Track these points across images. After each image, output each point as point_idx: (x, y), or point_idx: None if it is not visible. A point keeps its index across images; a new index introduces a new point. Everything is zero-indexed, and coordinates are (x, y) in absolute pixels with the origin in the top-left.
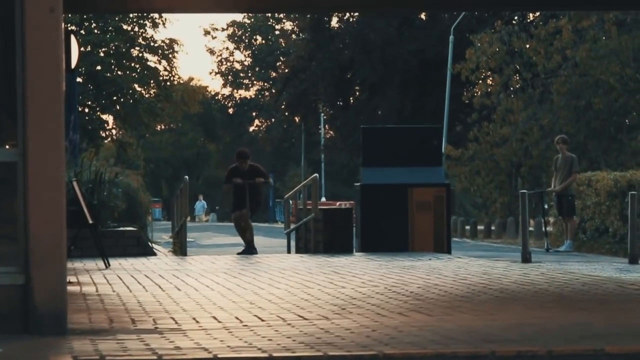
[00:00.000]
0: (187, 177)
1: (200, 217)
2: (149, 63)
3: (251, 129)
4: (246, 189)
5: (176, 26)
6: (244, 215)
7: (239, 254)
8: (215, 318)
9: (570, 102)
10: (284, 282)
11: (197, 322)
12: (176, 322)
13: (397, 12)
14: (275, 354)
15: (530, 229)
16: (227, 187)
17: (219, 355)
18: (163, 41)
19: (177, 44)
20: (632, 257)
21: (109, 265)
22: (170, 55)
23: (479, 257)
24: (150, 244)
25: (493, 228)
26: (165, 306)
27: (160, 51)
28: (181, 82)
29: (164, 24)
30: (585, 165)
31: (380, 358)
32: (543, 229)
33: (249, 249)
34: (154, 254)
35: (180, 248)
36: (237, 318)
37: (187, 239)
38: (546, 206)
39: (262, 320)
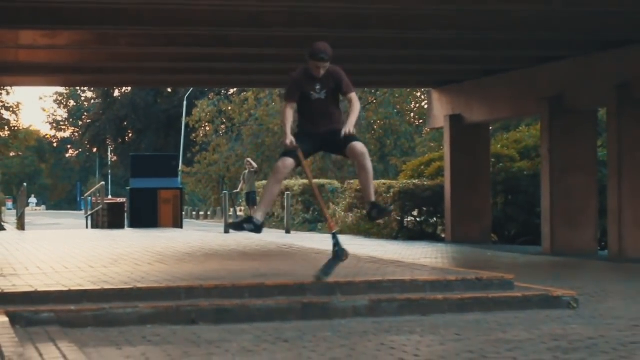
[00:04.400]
0: (25, 184)
1: (32, 207)
2: (4, 116)
3: (67, 155)
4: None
5: (19, 93)
6: (358, 149)
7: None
8: (39, 267)
9: (254, 140)
10: (83, 245)
11: (27, 269)
12: (14, 270)
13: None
14: (72, 288)
15: (230, 214)
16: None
17: (38, 289)
18: (12, 103)
19: (20, 105)
20: (287, 230)
21: None
22: (16, 111)
23: (200, 230)
24: (2, 223)
25: (209, 213)
26: (8, 260)
27: (11, 109)
28: (24, 127)
29: (8, 92)
30: (262, 176)
31: (135, 290)
32: (235, 213)
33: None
34: (4, 229)
35: (21, 226)
36: (52, 267)
37: (26, 220)
38: (241, 200)
39: (67, 269)
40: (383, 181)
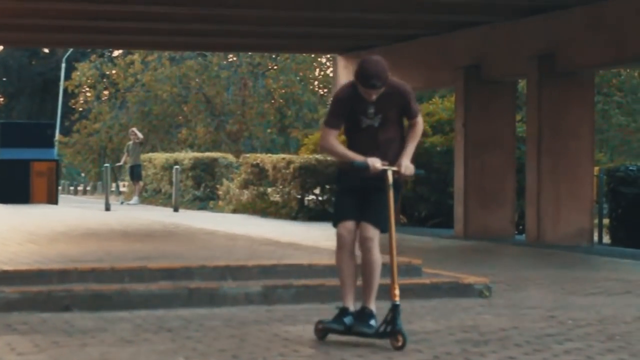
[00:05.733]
0: None
1: None
2: None
3: None
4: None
5: None
6: (367, 232)
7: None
8: None
9: (140, 108)
10: None
11: None
12: None
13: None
14: None
15: (112, 189)
16: (331, 148)
17: None
18: None
19: None
20: (175, 208)
21: None
22: None
23: (78, 207)
24: None
25: (89, 188)
26: None
27: None
28: None
29: None
30: (148, 148)
31: (1, 273)
32: (117, 189)
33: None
34: None
35: None
36: None
37: None
38: (124, 174)
39: None
40: (282, 156)
